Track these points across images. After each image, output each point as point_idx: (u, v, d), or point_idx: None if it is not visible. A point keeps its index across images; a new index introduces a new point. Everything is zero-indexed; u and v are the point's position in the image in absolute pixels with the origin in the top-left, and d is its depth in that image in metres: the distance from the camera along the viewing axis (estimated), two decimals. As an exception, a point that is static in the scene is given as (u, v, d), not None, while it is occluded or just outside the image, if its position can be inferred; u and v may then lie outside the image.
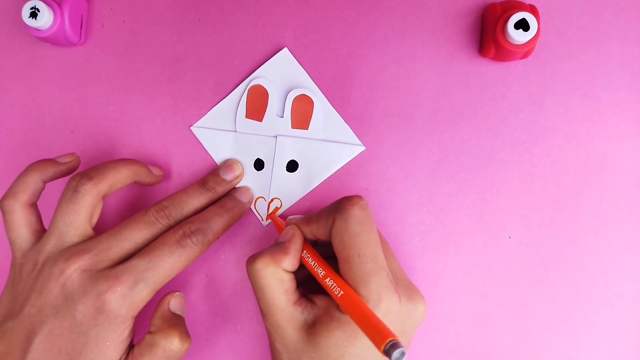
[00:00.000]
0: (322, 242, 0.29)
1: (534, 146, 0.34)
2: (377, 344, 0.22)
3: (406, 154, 0.34)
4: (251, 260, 0.28)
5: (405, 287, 0.28)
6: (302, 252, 0.29)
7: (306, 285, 0.31)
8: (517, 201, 0.34)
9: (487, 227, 0.34)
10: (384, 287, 0.26)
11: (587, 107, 0.34)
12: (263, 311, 0.28)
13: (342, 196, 0.34)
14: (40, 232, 0.30)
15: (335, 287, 0.26)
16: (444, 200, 0.34)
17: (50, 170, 0.31)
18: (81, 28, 0.35)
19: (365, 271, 0.26)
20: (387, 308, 0.25)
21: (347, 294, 0.25)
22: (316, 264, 0.28)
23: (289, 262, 0.28)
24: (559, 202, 0.34)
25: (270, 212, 0.35)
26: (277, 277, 0.27)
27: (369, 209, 0.27)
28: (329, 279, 0.26)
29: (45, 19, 0.32)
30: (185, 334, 0.29)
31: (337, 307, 0.26)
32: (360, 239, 0.26)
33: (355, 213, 0.27)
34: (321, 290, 0.28)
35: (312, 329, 0.27)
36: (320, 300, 0.28)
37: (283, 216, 0.35)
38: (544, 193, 0.34)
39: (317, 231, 0.29)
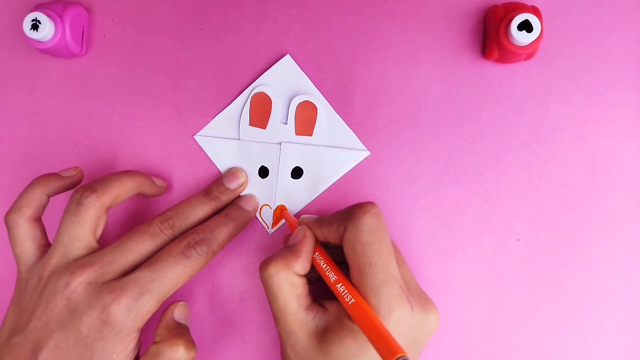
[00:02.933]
0: (333, 246, 0.29)
1: (540, 147, 0.33)
2: (386, 359, 0.22)
3: (412, 159, 0.34)
4: (264, 265, 0.28)
5: (417, 296, 0.28)
6: (314, 253, 0.29)
7: (317, 286, 0.30)
8: (524, 203, 0.33)
9: (495, 230, 0.34)
10: (395, 297, 0.25)
11: (592, 107, 0.33)
12: (275, 316, 0.28)
13: (349, 202, 0.34)
14: (45, 246, 0.30)
15: (346, 294, 0.25)
16: (451, 204, 0.34)
17: (54, 185, 0.31)
18: (82, 39, 0.35)
19: (376, 281, 0.25)
20: (398, 318, 0.25)
21: (358, 302, 0.25)
22: (328, 267, 0.27)
23: (301, 265, 0.27)
24: (567, 203, 0.33)
25: (284, 209, 0.34)
26: (289, 282, 0.27)
27: (381, 217, 0.27)
28: (340, 284, 0.26)
29: (47, 31, 0.32)
30: (190, 343, 0.29)
31: (349, 315, 0.26)
32: (371, 248, 0.26)
33: (367, 221, 0.26)
34: (332, 295, 0.27)
35: (323, 335, 0.27)
36: (331, 307, 0.28)
37: (296, 216, 0.34)
38: (551, 194, 0.33)
39: (328, 235, 0.28)
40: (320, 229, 0.29)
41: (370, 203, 0.27)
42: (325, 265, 0.28)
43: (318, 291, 0.30)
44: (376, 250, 0.26)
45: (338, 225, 0.28)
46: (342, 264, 0.28)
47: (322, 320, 0.27)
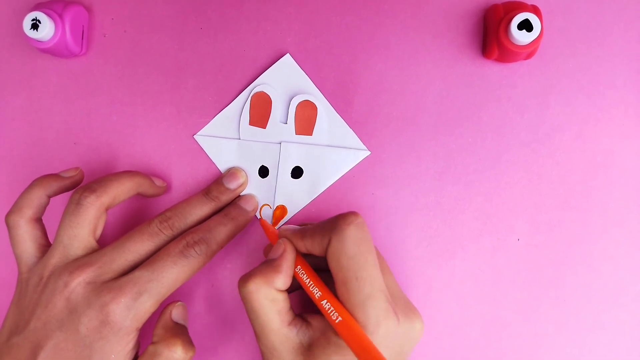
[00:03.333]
0: (316, 256, 0.28)
1: (540, 147, 0.33)
2: None
3: (412, 158, 0.34)
4: (243, 281, 0.27)
5: (402, 305, 0.27)
6: (296, 267, 0.28)
7: (297, 294, 0.30)
8: (524, 203, 0.33)
9: (495, 229, 0.34)
10: (383, 311, 0.25)
11: (592, 106, 0.33)
12: (257, 333, 0.27)
13: (349, 202, 0.34)
14: (46, 246, 0.30)
15: (332, 311, 0.25)
16: (451, 203, 0.34)
17: (54, 185, 0.31)
18: (82, 39, 0.35)
19: (364, 295, 0.25)
20: (385, 332, 0.25)
21: (346, 321, 0.24)
22: (312, 283, 0.27)
23: (282, 281, 0.27)
24: (567, 203, 0.33)
25: (261, 218, 0.34)
26: (270, 299, 0.26)
27: (365, 227, 0.27)
28: (325, 301, 0.25)
29: (47, 31, 0.32)
30: (188, 342, 0.29)
31: (334, 330, 0.25)
32: (357, 260, 0.25)
33: (352, 233, 0.26)
34: (313, 305, 0.27)
35: (308, 351, 0.26)
36: (315, 322, 0.27)
37: (295, 216, 0.34)
38: (551, 194, 0.33)
39: (311, 247, 0.28)
40: (303, 240, 0.28)
41: (354, 213, 0.27)
42: (309, 280, 0.27)
43: (301, 301, 0.29)
44: (362, 263, 0.25)
45: (322, 237, 0.27)
46: (323, 271, 0.27)
47: (306, 335, 0.27)
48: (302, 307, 0.29)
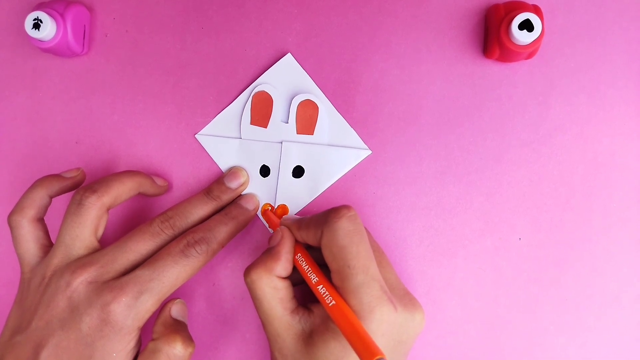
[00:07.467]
0: (315, 248, 0.29)
1: (542, 146, 0.33)
2: None
3: (413, 157, 0.34)
4: (246, 271, 0.28)
5: (401, 296, 0.28)
6: (296, 255, 0.29)
7: (303, 288, 0.30)
8: (526, 202, 0.33)
9: (496, 229, 0.34)
10: (376, 298, 0.25)
11: (593, 106, 0.33)
12: (262, 320, 0.28)
13: (350, 201, 0.34)
14: (48, 246, 0.31)
15: (327, 295, 0.25)
16: (452, 203, 0.34)
17: (56, 185, 0.31)
18: (84, 38, 0.35)
19: (356, 282, 0.25)
20: (380, 318, 0.25)
21: (338, 304, 0.25)
22: (310, 269, 0.27)
23: (282, 267, 0.28)
24: (569, 202, 0.33)
25: (263, 209, 0.34)
26: (271, 286, 0.27)
27: (357, 220, 0.27)
28: (321, 286, 0.26)
29: (48, 30, 0.32)
30: (188, 338, 0.29)
31: (329, 315, 0.26)
32: (349, 251, 0.26)
33: (342, 225, 0.26)
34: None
35: (309, 338, 0.27)
36: (317, 309, 0.28)
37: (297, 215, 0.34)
38: (553, 193, 0.33)
39: (307, 238, 0.29)
40: (299, 231, 0.29)
41: (346, 207, 0.27)
42: (307, 267, 0.27)
43: (306, 293, 0.30)
44: (354, 252, 0.26)
45: (315, 230, 0.28)
46: (325, 266, 0.28)
47: (308, 323, 0.27)
48: (309, 299, 0.29)
